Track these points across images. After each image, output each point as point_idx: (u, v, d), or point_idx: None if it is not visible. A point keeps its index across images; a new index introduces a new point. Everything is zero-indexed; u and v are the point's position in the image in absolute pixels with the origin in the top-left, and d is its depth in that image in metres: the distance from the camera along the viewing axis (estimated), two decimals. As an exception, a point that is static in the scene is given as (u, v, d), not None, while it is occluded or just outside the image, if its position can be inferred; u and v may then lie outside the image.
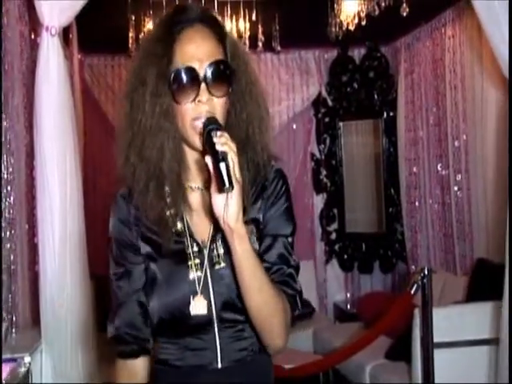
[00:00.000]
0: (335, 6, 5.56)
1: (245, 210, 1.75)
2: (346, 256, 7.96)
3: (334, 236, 8.00)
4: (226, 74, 1.77)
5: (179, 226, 1.85)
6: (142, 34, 5.73)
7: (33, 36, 4.00)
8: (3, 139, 3.34)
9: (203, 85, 1.74)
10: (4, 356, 2.92)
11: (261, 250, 1.86)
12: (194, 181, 1.88)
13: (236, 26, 5.79)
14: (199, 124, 1.74)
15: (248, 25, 5.74)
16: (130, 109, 1.80)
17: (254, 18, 5.66)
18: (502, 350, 3.85)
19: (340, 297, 7.94)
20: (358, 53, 7.88)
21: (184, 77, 1.74)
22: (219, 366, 1.84)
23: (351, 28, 5.54)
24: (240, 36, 5.78)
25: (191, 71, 1.74)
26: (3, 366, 2.76)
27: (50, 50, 3.29)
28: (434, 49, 6.66)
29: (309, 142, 7.93)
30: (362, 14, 5.32)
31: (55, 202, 3.26)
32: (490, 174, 5.73)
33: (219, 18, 1.88)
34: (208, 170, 1.69)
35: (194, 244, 1.85)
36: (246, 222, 1.77)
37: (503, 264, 3.86)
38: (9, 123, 3.44)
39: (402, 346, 5.16)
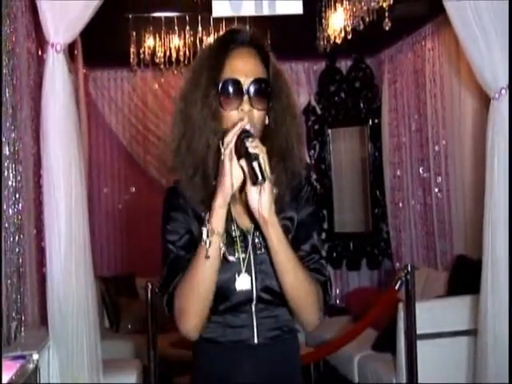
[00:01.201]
0: (323, 21, 5.57)
1: (282, 209, 1.97)
2: (335, 254, 7.94)
3: (323, 235, 7.98)
4: (266, 90, 1.92)
5: (228, 217, 1.92)
6: (143, 49, 5.73)
7: (40, 52, 3.98)
8: (12, 150, 3.32)
9: (246, 97, 1.89)
10: (13, 353, 2.91)
11: (297, 241, 2.01)
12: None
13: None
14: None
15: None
16: (184, 107, 1.95)
17: (247, 32, 5.64)
18: (479, 340, 3.84)
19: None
20: (344, 64, 7.87)
21: (231, 87, 1.90)
22: (255, 341, 1.98)
23: (338, 41, 5.55)
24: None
25: (237, 83, 1.90)
26: (13, 362, 2.75)
27: (56, 65, 3.27)
28: (415, 60, 6.67)
29: (299, 147, 7.91)
30: (348, 29, 5.32)
31: (61, 208, 3.24)
32: (468, 177, 5.74)
33: (264, 42, 2.05)
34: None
35: (238, 230, 1.99)
36: (283, 219, 1.97)
37: (481, 260, 3.84)
38: (17, 134, 3.42)
39: (387, 337, 5.15)
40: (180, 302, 1.88)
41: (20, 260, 3.35)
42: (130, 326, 6.60)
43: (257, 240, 1.99)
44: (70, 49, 4.28)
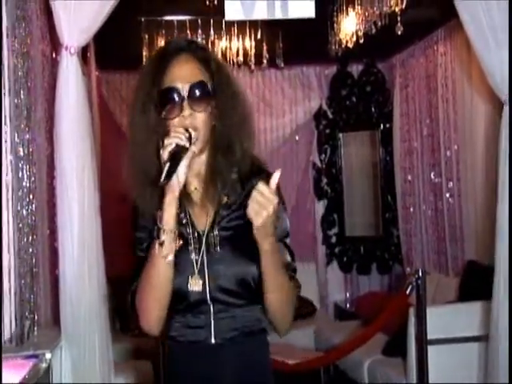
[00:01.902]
0: (335, 25, 5.57)
1: (239, 209, 2.01)
2: (345, 258, 7.95)
3: (334, 239, 7.99)
4: (205, 92, 1.97)
5: (183, 218, 2.03)
6: (154, 51, 5.75)
7: (54, 55, 4.01)
8: (26, 151, 3.35)
9: (185, 102, 1.94)
10: (26, 352, 2.94)
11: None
12: (190, 182, 2.05)
13: (242, 44, 5.81)
14: None
15: (254, 43, 5.77)
16: (128, 126, 2.06)
17: (259, 36, 5.68)
18: (491, 346, 3.84)
19: (340, 297, 7.93)
20: (356, 68, 7.88)
21: (169, 95, 1.95)
22: (213, 341, 2.00)
23: (350, 45, 5.56)
24: (246, 53, 5.80)
25: (175, 90, 1.94)
26: (26, 361, 2.77)
27: (69, 67, 3.30)
28: (427, 65, 6.67)
29: (311, 151, 7.94)
30: (360, 33, 5.33)
31: (74, 209, 3.27)
32: (480, 182, 5.74)
33: (204, 46, 2.16)
34: (203, 174, 2.03)
35: (195, 231, 2.03)
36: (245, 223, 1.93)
37: (492, 266, 3.85)
38: (31, 135, 3.45)
39: (397, 342, 5.15)
40: (139, 300, 1.98)
41: (33, 260, 3.37)
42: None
43: (212, 240, 2.01)
44: (84, 51, 4.31)
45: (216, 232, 2.02)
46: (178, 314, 2.03)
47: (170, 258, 1.89)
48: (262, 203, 1.80)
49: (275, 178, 1.83)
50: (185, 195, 2.01)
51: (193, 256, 1.99)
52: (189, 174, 1.96)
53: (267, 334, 2.11)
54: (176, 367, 2.07)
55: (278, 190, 1.97)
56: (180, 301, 1.99)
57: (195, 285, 1.97)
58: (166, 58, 2.00)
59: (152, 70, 2.00)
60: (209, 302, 1.99)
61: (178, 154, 1.84)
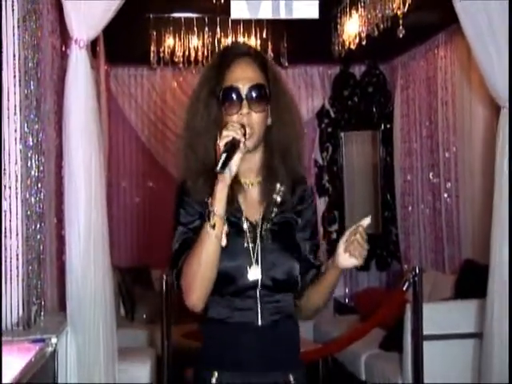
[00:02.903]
0: (338, 26, 5.60)
1: (287, 208, 2.19)
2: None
3: (334, 236, 8.00)
4: (263, 94, 2.09)
5: (237, 208, 2.14)
6: (162, 48, 5.77)
7: (63, 48, 4.02)
8: (35, 141, 3.35)
9: (244, 101, 2.07)
10: (33, 336, 2.95)
11: (302, 239, 2.22)
12: (245, 177, 2.18)
13: (248, 42, 5.81)
14: None
15: (259, 42, 5.77)
16: (189, 117, 2.16)
17: (264, 36, 5.69)
18: (484, 343, 3.85)
19: (339, 291, 7.92)
20: (358, 70, 7.89)
21: (230, 93, 2.08)
22: (259, 323, 2.10)
23: (353, 47, 5.57)
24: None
25: (236, 89, 2.07)
26: (32, 345, 2.79)
27: (79, 60, 3.31)
28: (427, 68, 6.68)
29: (313, 149, 7.94)
30: (363, 35, 5.34)
31: (81, 198, 3.28)
32: (477, 183, 5.75)
33: (263, 54, 2.25)
34: (257, 170, 2.18)
35: (248, 222, 2.14)
36: (289, 216, 2.19)
37: (488, 265, 3.86)
38: (41, 126, 3.45)
39: (394, 337, 5.16)
40: (186, 275, 2.03)
41: (41, 247, 3.38)
42: (144, 316, 6.64)
43: (264, 232, 2.13)
44: (93, 46, 4.33)
45: (268, 225, 2.15)
46: (224, 297, 2.10)
47: (218, 239, 1.98)
48: (362, 245, 2.03)
49: (366, 222, 2.06)
50: (239, 188, 2.14)
51: (247, 245, 2.11)
52: (242, 168, 2.07)
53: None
54: (221, 346, 2.13)
55: (311, 193, 2.30)
56: (230, 285, 2.08)
57: (255, 274, 2.08)
58: (230, 58, 2.13)
59: (217, 68, 2.14)
60: (259, 287, 2.09)
61: (233, 145, 1.93)
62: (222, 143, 1.94)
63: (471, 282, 5.30)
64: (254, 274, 2.08)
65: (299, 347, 2.23)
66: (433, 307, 4.73)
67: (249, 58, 2.15)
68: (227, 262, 2.04)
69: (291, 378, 2.14)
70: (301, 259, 2.17)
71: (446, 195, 6.35)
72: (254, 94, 2.08)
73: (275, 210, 2.17)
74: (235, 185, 2.09)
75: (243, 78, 2.09)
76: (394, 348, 5.18)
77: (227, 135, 1.94)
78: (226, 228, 2.02)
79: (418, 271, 4.41)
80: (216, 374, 2.11)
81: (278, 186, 2.18)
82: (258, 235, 2.13)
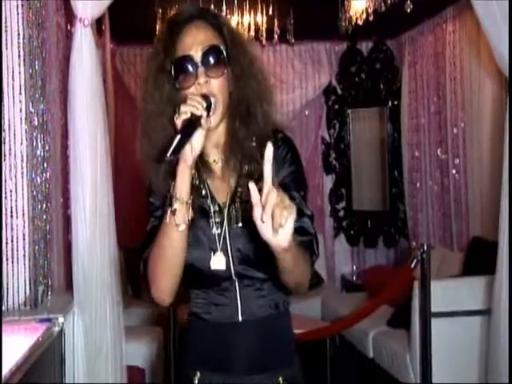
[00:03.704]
0: (345, 2, 5.55)
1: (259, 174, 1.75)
2: (352, 232, 7.97)
3: (342, 213, 8.01)
4: (220, 56, 1.86)
5: (203, 190, 1.93)
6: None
7: (68, 27, 3.99)
8: (41, 120, 3.34)
9: (200, 68, 1.82)
10: (40, 316, 2.96)
11: None
12: (210, 154, 1.95)
13: (254, 19, 5.79)
14: None
15: (265, 19, 5.75)
16: (142, 100, 1.92)
17: (270, 12, 5.66)
18: (493, 320, 3.85)
19: (347, 269, 7.95)
20: (365, 46, 7.85)
21: (182, 64, 1.84)
22: (240, 319, 1.91)
23: (360, 23, 5.52)
24: (258, 29, 5.77)
25: (188, 58, 1.83)
26: (39, 324, 2.79)
27: (83, 39, 3.28)
28: (435, 43, 6.62)
29: (320, 126, 7.93)
30: (370, 10, 5.30)
31: (87, 178, 3.27)
32: (486, 159, 5.72)
33: (216, 13, 1.99)
34: (223, 144, 1.93)
35: (216, 205, 1.92)
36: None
37: (496, 242, 3.84)
38: (46, 106, 3.44)
39: (402, 314, 5.17)
40: (151, 267, 1.86)
41: (47, 227, 3.38)
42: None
43: (233, 212, 1.90)
44: (98, 24, 4.29)
45: (237, 204, 1.90)
46: (200, 290, 1.95)
47: (183, 227, 1.76)
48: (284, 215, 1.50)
49: (269, 151, 1.56)
50: (204, 167, 1.93)
51: (214, 230, 1.89)
52: (207, 144, 1.86)
53: (289, 305, 2.03)
54: (202, 343, 1.97)
55: (294, 149, 1.99)
56: (202, 277, 1.90)
57: (218, 262, 1.87)
58: (177, 26, 1.88)
59: (163, 41, 1.89)
60: (233, 277, 1.90)
61: (191, 124, 1.70)
62: (178, 121, 1.70)
63: (479, 259, 5.30)
64: (218, 262, 1.87)
65: (291, 340, 2.03)
66: (441, 284, 4.72)
67: (199, 21, 1.88)
68: (191, 250, 1.84)
69: (281, 379, 1.94)
70: None
71: (454, 171, 6.32)
72: (209, 58, 1.83)
73: (245, 182, 1.76)
74: (200, 164, 1.89)
75: (194, 43, 1.84)
76: (401, 325, 5.19)
77: (185, 111, 1.70)
78: (191, 214, 1.77)
79: (426, 248, 4.39)
80: (198, 374, 1.95)
81: (243, 155, 1.92)
82: (226, 218, 1.90)
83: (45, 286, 3.31)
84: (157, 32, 5.63)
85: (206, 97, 1.78)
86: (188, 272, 1.86)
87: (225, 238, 1.89)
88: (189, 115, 1.70)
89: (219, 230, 1.89)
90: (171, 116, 1.78)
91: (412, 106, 7.13)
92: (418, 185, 7.08)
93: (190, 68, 1.83)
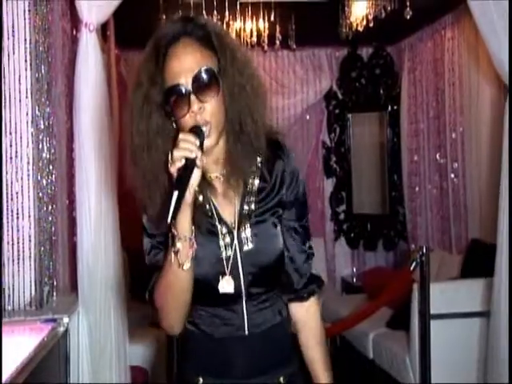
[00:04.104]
0: (346, 8, 5.54)
1: (267, 195, 1.86)
2: (352, 234, 7.96)
3: (342, 216, 7.99)
4: (211, 79, 1.71)
5: (207, 209, 1.83)
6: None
7: (74, 32, 4.00)
8: (46, 124, 3.35)
9: (193, 97, 1.68)
10: (45, 316, 2.96)
11: (289, 217, 1.92)
12: (212, 171, 1.84)
13: (256, 25, 5.79)
14: None
15: (267, 25, 5.75)
16: (127, 133, 1.76)
17: (272, 18, 5.65)
18: (492, 322, 3.84)
19: (347, 271, 7.94)
20: (365, 52, 7.83)
21: (174, 94, 1.69)
22: (246, 333, 1.85)
23: (360, 29, 5.52)
24: (260, 35, 5.78)
25: (178, 88, 1.68)
26: (44, 325, 2.80)
27: (89, 44, 3.30)
28: (434, 49, 6.61)
29: (320, 131, 7.92)
30: (370, 17, 5.30)
31: (91, 181, 3.28)
32: (484, 163, 5.71)
33: (204, 22, 1.78)
34: (223, 160, 1.82)
35: (224, 225, 1.83)
36: (271, 207, 1.87)
37: (495, 244, 3.84)
38: (51, 109, 3.45)
39: (401, 316, 5.16)
40: (158, 301, 1.79)
41: (52, 229, 3.39)
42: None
43: (243, 234, 1.83)
44: (103, 30, 4.30)
45: (247, 225, 1.83)
46: (205, 305, 1.86)
47: (187, 265, 1.67)
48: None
49: None
50: (206, 183, 1.80)
51: (223, 253, 1.81)
52: (207, 161, 1.74)
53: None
54: (201, 354, 1.89)
55: (296, 167, 1.94)
56: (209, 297, 1.83)
57: (227, 286, 1.80)
58: (160, 50, 1.73)
59: (147, 69, 1.73)
60: (244, 297, 1.84)
61: (188, 168, 1.59)
62: (173, 169, 1.59)
63: (478, 261, 5.29)
64: (226, 286, 1.80)
65: (291, 343, 1.99)
66: (440, 286, 4.71)
67: (184, 39, 1.73)
68: (198, 271, 1.74)
69: (281, 379, 1.91)
70: (286, 245, 1.91)
71: (452, 175, 6.31)
72: (201, 84, 1.69)
73: (253, 200, 1.85)
74: (203, 182, 1.72)
75: (183, 70, 1.69)
76: (401, 327, 5.17)
77: (178, 158, 1.58)
78: (191, 252, 1.68)
79: (425, 251, 4.39)
80: (201, 379, 1.88)
81: (253, 168, 1.86)
82: (236, 239, 1.82)
83: (50, 286, 3.32)
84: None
85: (197, 131, 1.66)
86: (195, 291, 1.77)
87: (235, 260, 1.82)
88: (183, 162, 1.59)
89: (229, 253, 1.81)
90: (163, 147, 1.71)
91: (411, 110, 7.12)
92: (417, 188, 7.07)
93: (182, 98, 1.68)
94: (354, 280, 7.76)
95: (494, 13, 3.56)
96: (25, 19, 3.19)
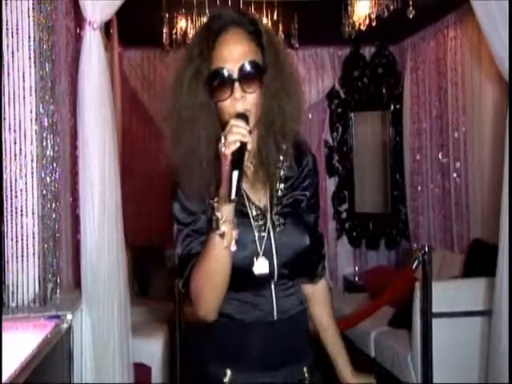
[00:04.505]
0: (348, 7, 5.55)
1: (293, 184, 2.00)
2: (355, 233, 7.97)
3: (344, 215, 8.01)
4: (256, 72, 1.81)
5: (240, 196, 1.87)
6: (175, 29, 5.74)
7: (78, 30, 4.00)
8: (50, 121, 3.35)
9: (237, 84, 1.78)
10: (49, 313, 2.96)
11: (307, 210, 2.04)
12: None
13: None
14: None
15: (270, 23, 5.74)
16: (173, 103, 1.85)
17: (275, 17, 5.65)
18: (493, 321, 3.84)
19: (349, 270, 7.95)
20: (368, 51, 7.85)
21: (219, 77, 1.79)
22: (275, 318, 1.92)
23: (363, 28, 5.52)
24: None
25: (225, 72, 1.79)
26: (48, 321, 2.80)
27: (92, 42, 3.30)
28: (437, 49, 6.62)
29: (323, 130, 7.93)
30: (373, 16, 5.30)
31: (95, 178, 3.27)
32: (486, 163, 5.72)
33: (256, 18, 1.91)
34: (254, 149, 1.91)
35: (255, 208, 1.93)
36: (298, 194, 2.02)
37: (497, 244, 3.84)
38: (55, 107, 3.45)
39: (403, 315, 5.16)
40: (195, 287, 1.83)
41: (56, 226, 3.39)
42: (158, 293, 6.69)
43: (275, 217, 1.93)
44: (106, 28, 4.31)
45: (278, 208, 1.94)
46: (235, 292, 1.89)
47: (234, 247, 1.77)
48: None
49: None
50: None
51: (256, 234, 1.89)
52: None
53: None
54: (229, 344, 1.93)
55: (317, 169, 2.10)
56: (241, 280, 1.87)
57: (261, 267, 1.87)
58: (214, 33, 1.84)
59: (198, 46, 1.85)
60: (274, 279, 1.91)
61: (241, 151, 1.69)
62: (227, 151, 1.68)
63: (480, 260, 5.29)
64: (261, 267, 1.87)
65: (308, 335, 2.06)
66: (442, 285, 4.72)
67: (237, 28, 1.84)
68: (234, 253, 1.80)
69: (305, 369, 2.00)
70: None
71: (455, 175, 6.32)
72: (246, 74, 1.79)
73: (282, 187, 1.97)
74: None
75: (232, 57, 1.79)
76: (403, 326, 5.18)
77: (234, 141, 1.68)
78: (235, 234, 1.77)
79: (427, 250, 4.38)
80: (229, 372, 1.91)
81: (282, 158, 1.97)
82: (269, 222, 1.91)
83: (53, 283, 3.32)
84: (164, 36, 5.66)
85: (245, 117, 1.77)
86: (230, 275, 1.83)
87: (268, 242, 1.90)
88: (238, 145, 1.68)
89: (262, 234, 1.89)
90: (204, 123, 1.82)
91: (414, 110, 7.13)
92: (420, 188, 7.08)
93: (226, 82, 1.79)
94: (356, 279, 7.77)
95: (497, 12, 3.56)
96: (29, 17, 3.19)
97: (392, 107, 7.69)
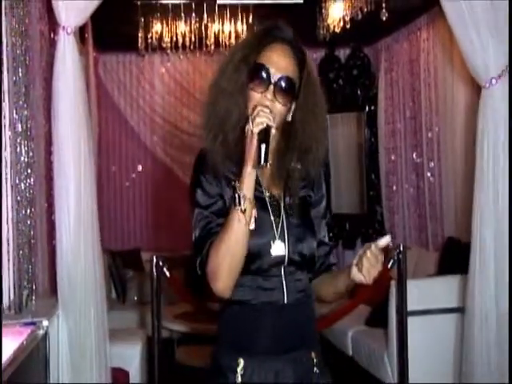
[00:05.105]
0: (323, 10, 5.56)
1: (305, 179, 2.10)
2: (331, 234, 7.95)
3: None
4: (291, 89, 1.97)
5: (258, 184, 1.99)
6: (150, 34, 5.72)
7: (52, 35, 3.97)
8: (24, 127, 3.32)
9: (271, 87, 1.95)
10: (25, 320, 2.94)
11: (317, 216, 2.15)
12: None
13: (234, 27, 5.78)
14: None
15: (245, 27, 5.74)
16: (217, 76, 2.02)
17: (250, 20, 5.65)
18: (466, 318, 3.86)
19: (326, 269, 7.95)
20: (343, 53, 7.86)
21: (260, 71, 1.96)
22: (285, 302, 2.00)
23: (337, 30, 5.55)
24: (238, 36, 5.77)
25: (267, 70, 1.96)
26: (24, 328, 2.77)
27: (67, 47, 3.27)
28: (410, 50, 6.65)
29: (299, 131, 7.93)
30: (347, 19, 5.32)
31: (71, 183, 3.25)
32: (459, 162, 5.76)
33: (305, 50, 2.08)
34: (273, 149, 1.97)
35: (271, 196, 2.05)
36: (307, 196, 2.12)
37: (469, 242, 3.85)
38: (30, 112, 3.42)
39: (380, 314, 5.17)
40: (214, 263, 1.90)
41: (31, 232, 3.36)
42: (135, 298, 6.67)
43: (288, 206, 2.04)
44: (81, 32, 4.27)
45: (292, 199, 2.06)
46: (248, 277, 1.98)
47: (252, 225, 1.88)
48: (372, 264, 1.89)
49: (385, 241, 1.89)
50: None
51: (272, 219, 2.01)
52: None
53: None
54: (241, 331, 2.02)
55: (329, 178, 2.16)
56: (254, 263, 1.97)
57: (278, 249, 1.98)
58: (271, 37, 2.02)
59: (257, 39, 2.02)
60: (285, 264, 2.00)
61: (267, 132, 1.86)
62: (256, 130, 1.84)
63: (454, 258, 5.33)
64: (278, 248, 1.98)
65: (315, 323, 2.15)
66: (417, 283, 4.74)
67: (289, 46, 2.02)
68: (252, 238, 1.92)
69: (313, 354, 2.07)
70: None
71: (429, 174, 6.36)
72: (282, 85, 1.95)
73: (296, 183, 2.08)
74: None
75: (277, 65, 1.96)
76: (379, 324, 5.19)
77: (261, 122, 1.85)
78: (254, 211, 1.90)
79: (402, 249, 4.39)
80: (242, 361, 1.99)
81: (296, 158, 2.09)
82: (282, 209, 2.04)
83: (29, 290, 3.29)
84: (139, 40, 5.64)
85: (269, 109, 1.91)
86: (246, 258, 1.92)
87: (283, 226, 2.01)
88: (265, 125, 1.84)
89: (278, 219, 2.01)
90: (237, 99, 1.96)
91: (388, 111, 7.16)
92: (395, 188, 7.11)
93: (265, 79, 1.95)
94: (333, 278, 7.76)
95: (466, 12, 3.57)
96: (1, 22, 3.15)
97: (367, 108, 7.69)
